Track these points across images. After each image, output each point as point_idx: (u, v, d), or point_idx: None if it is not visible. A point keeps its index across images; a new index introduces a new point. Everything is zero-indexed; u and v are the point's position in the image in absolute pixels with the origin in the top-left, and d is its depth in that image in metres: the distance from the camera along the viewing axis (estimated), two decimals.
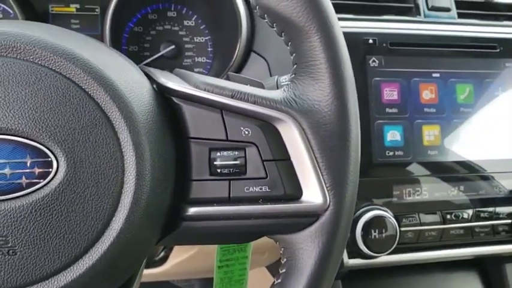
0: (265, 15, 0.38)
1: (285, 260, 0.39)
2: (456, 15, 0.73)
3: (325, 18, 0.37)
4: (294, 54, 0.38)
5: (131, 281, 0.38)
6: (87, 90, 0.32)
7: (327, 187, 0.37)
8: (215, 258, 0.61)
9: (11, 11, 0.71)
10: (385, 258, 0.66)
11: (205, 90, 0.37)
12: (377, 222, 0.63)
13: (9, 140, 0.31)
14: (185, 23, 0.76)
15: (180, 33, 0.76)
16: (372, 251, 0.63)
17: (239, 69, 0.69)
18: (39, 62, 0.32)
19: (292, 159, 0.38)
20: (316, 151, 0.37)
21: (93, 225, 0.32)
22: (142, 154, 0.33)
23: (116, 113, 0.33)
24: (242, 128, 0.37)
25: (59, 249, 0.32)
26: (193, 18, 0.76)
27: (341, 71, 0.37)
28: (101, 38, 0.69)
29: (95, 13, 0.72)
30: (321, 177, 0.37)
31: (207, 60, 0.76)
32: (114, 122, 0.33)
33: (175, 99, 0.37)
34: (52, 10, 0.71)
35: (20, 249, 0.31)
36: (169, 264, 0.72)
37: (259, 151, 0.38)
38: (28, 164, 0.31)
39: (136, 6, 0.73)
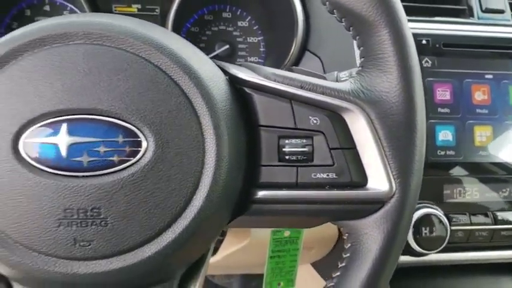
0: (334, 11, 0.40)
1: (349, 245, 0.40)
2: (511, 17, 0.73)
3: (394, 14, 0.38)
4: (361, 48, 0.40)
5: (202, 261, 0.41)
6: (173, 77, 0.35)
7: (393, 175, 0.38)
8: (267, 248, 0.63)
9: (78, 11, 0.76)
10: (434, 257, 0.66)
11: (275, 81, 0.39)
12: (428, 220, 0.64)
13: (104, 120, 0.34)
14: (239, 23, 0.79)
15: (234, 33, 0.78)
16: (422, 249, 0.64)
17: None
18: (131, 50, 0.35)
19: (358, 147, 0.39)
20: (383, 140, 0.38)
21: (176, 201, 0.35)
22: (221, 137, 0.36)
23: (199, 98, 0.35)
24: (310, 117, 0.39)
25: (146, 222, 0.34)
26: (247, 19, 0.79)
27: (409, 64, 0.38)
28: None
29: (155, 13, 0.76)
30: (387, 166, 0.38)
31: (259, 60, 0.79)
32: (196, 107, 0.35)
33: (246, 89, 0.40)
34: (115, 10, 0.75)
35: (111, 220, 0.34)
36: (219, 256, 0.74)
37: (326, 139, 0.39)
38: (120, 143, 0.34)
39: (194, 7, 0.76)
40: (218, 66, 0.42)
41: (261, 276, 0.67)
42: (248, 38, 0.79)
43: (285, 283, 0.65)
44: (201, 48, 0.78)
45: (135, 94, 0.34)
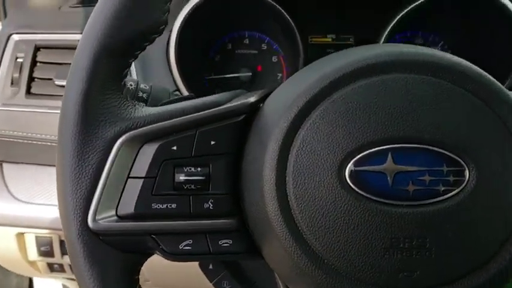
0: None
1: None
2: None
3: None
4: None
5: None
6: (495, 109, 0.34)
7: None
8: None
9: (275, 44, 0.79)
10: None
11: None
12: None
13: (429, 149, 0.34)
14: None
15: None
16: None
17: None
18: (448, 81, 0.35)
19: None
20: None
21: (500, 230, 0.33)
22: None
23: None
24: None
25: (471, 252, 0.33)
26: (440, 44, 0.77)
27: None
28: None
29: (350, 42, 0.77)
30: None
31: None
32: None
33: None
34: (311, 40, 0.77)
35: (436, 250, 0.33)
36: None
37: None
38: (445, 172, 0.34)
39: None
40: None
41: None
42: None
43: None
44: None
45: (456, 124, 0.34)
